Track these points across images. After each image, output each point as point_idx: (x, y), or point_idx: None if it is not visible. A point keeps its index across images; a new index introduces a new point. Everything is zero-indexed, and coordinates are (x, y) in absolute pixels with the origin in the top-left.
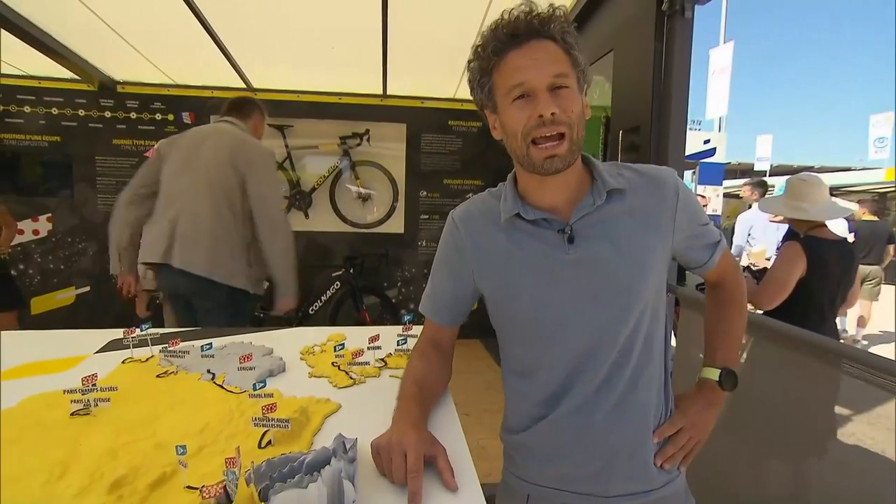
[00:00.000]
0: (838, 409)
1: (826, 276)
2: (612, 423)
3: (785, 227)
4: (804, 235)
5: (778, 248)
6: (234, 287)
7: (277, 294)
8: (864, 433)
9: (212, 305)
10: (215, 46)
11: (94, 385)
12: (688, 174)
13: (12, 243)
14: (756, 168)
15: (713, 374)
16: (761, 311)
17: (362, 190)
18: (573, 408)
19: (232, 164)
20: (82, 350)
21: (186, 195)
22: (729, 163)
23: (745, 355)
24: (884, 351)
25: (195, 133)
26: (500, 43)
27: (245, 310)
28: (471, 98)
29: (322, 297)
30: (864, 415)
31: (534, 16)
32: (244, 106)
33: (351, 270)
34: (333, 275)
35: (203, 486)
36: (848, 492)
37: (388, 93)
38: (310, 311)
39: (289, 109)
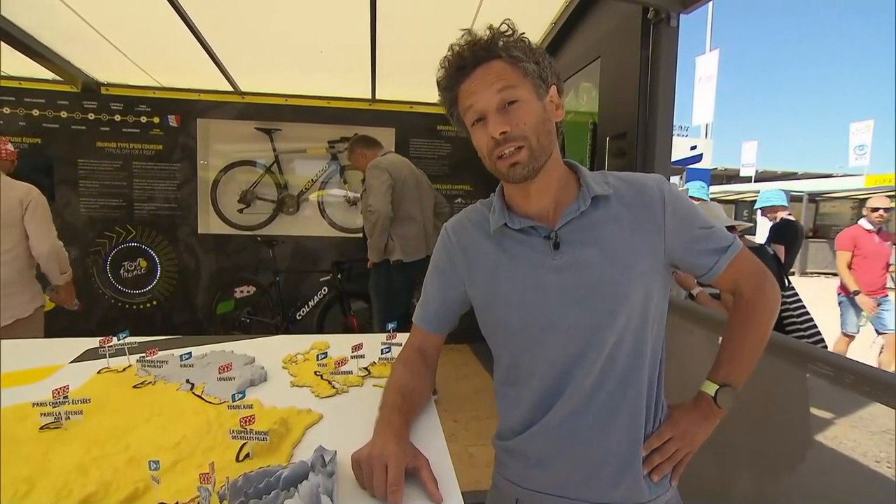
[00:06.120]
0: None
1: None
2: (601, 429)
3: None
4: None
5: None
6: None
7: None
8: (845, 436)
9: None
10: (202, 49)
11: (65, 397)
12: (674, 179)
13: None
14: (742, 174)
15: (711, 388)
16: None
17: (350, 194)
18: (565, 413)
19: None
20: (57, 360)
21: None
22: (715, 168)
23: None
24: None
25: (405, 162)
26: (451, 78)
27: None
28: None
29: (309, 303)
30: (844, 418)
31: (474, 44)
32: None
33: (339, 276)
34: (321, 280)
35: (176, 503)
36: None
37: (377, 97)
38: (297, 317)
39: (277, 113)
